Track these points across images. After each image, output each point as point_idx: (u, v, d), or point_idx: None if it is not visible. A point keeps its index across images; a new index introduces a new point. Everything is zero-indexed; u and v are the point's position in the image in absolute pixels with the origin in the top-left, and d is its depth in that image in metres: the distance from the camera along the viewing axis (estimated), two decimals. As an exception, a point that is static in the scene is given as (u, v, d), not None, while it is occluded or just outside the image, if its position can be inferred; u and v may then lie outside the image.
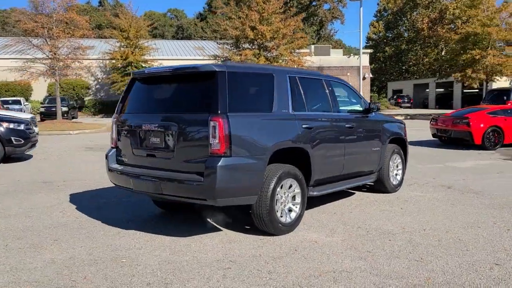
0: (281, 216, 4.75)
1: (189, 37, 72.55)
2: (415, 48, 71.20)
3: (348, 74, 51.09)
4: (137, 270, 3.88)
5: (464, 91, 50.16)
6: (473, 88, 50.45)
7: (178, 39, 68.13)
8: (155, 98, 5.00)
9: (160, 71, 5.00)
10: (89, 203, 6.47)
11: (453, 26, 62.61)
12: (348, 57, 49.73)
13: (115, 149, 5.22)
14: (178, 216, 5.71)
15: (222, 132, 4.14)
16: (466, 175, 8.54)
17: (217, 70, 4.34)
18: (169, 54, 43.09)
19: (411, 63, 72.27)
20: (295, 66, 27.67)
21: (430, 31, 64.07)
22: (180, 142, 4.42)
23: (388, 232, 4.85)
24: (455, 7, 61.43)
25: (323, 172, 5.36)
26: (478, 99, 46.22)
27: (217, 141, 4.15)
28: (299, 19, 28.16)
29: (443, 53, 68.01)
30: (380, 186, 6.72)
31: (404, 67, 75.52)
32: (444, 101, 52.70)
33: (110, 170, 5.13)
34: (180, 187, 4.33)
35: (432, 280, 3.54)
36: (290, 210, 4.89)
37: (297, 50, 27.79)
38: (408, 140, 7.59)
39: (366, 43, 77.46)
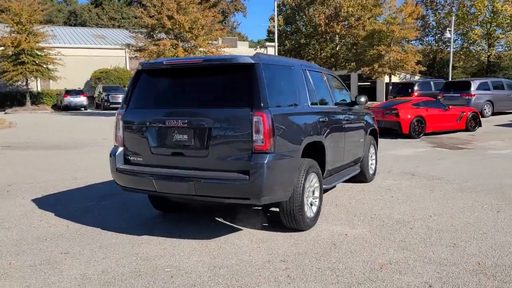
0: (307, 211, 4.72)
1: (83, 24, 67.82)
2: (312, 42, 74.59)
3: (255, 66, 52.07)
4: (194, 278, 3.60)
5: (359, 83, 53.93)
6: (366, 81, 54.63)
7: (70, 25, 63.27)
8: (177, 92, 4.59)
9: (186, 63, 4.61)
10: (66, 208, 5.82)
11: (346, 24, 66.97)
12: (255, 50, 50.53)
13: (122, 148, 4.73)
14: (182, 217, 5.39)
15: (266, 128, 3.98)
16: (415, 162, 9.20)
17: (254, 62, 4.15)
18: (66, 42, 40.01)
19: (309, 57, 75.76)
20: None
21: (327, 27, 67.78)
22: (216, 139, 4.14)
23: (401, 221, 5.06)
24: (349, 5, 65.73)
25: (332, 164, 5.43)
26: (371, 91, 50.24)
27: (261, 137, 3.98)
28: (217, 10, 27.84)
29: (337, 48, 72.48)
30: (361, 176, 6.98)
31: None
32: (343, 93, 55.95)
33: (119, 171, 4.64)
34: (220, 187, 4.07)
35: (483, 264, 3.79)
36: (311, 204, 4.88)
37: (214, 42, 27.53)
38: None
39: (267, 36, 79.41)
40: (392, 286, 3.38)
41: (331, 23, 66.96)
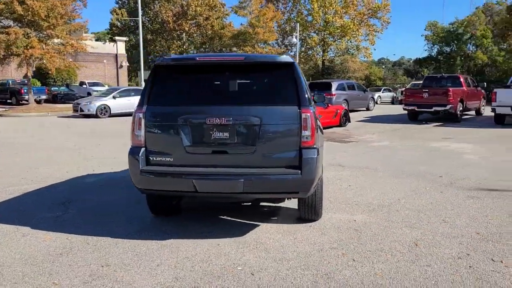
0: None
1: None
2: (159, 39, 73.37)
3: (105, 61, 49.22)
4: (274, 272, 3.68)
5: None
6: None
7: None
8: (215, 89, 4.46)
9: (226, 60, 4.50)
10: (35, 219, 5.11)
11: (193, 22, 67.82)
12: (104, 43, 47.73)
13: (143, 148, 4.41)
14: (187, 218, 5.23)
15: (312, 124, 4.23)
16: (332, 155, 10.23)
17: (293, 61, 4.35)
18: None
19: (157, 54, 74.37)
20: (76, 51, 25.22)
21: (175, 25, 67.61)
22: (264, 136, 4.21)
23: (383, 205, 5.76)
24: (197, 4, 66.63)
25: None
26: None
27: (308, 133, 4.22)
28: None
29: (185, 47, 72.82)
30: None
31: (150, 57, 77.00)
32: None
33: (144, 173, 4.32)
34: (272, 183, 4.17)
35: (480, 232, 4.68)
36: (317, 195, 5.24)
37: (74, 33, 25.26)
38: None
39: (110, 29, 75.45)
40: (438, 257, 3.99)
41: (180, 21, 67.16)
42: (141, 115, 4.37)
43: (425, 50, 55.83)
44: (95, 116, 20.90)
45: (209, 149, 4.30)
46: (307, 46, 50.89)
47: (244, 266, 3.82)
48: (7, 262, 3.89)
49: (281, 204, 5.71)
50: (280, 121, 4.24)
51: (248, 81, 4.49)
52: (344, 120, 16.92)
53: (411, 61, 72.47)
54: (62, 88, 37.91)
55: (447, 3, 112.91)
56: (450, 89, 17.43)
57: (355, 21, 47.51)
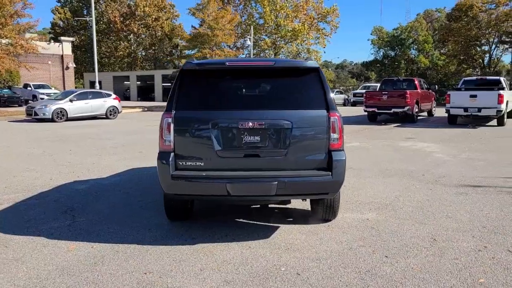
0: (339, 202, 5.23)
1: None
2: (105, 40, 71.21)
3: (50, 62, 47.09)
4: (319, 272, 3.80)
5: (163, 84, 54.50)
6: (169, 82, 55.60)
7: None
8: (245, 93, 4.51)
9: (257, 65, 4.56)
10: (54, 225, 4.93)
11: (142, 23, 66.49)
12: (49, 44, 45.70)
13: (173, 153, 4.38)
14: (205, 222, 5.23)
15: (340, 127, 4.40)
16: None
17: (318, 66, 4.50)
18: None
19: (104, 55, 72.08)
20: (26, 52, 24.00)
21: (123, 25, 65.95)
22: (296, 139, 4.32)
23: (384, 204, 6.05)
24: (145, 5, 65.37)
25: None
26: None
27: (337, 136, 4.38)
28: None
29: (133, 48, 71.22)
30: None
31: (96, 58, 74.38)
32: (145, 93, 55.72)
33: (175, 177, 4.29)
34: (304, 185, 4.29)
35: (487, 224, 5.05)
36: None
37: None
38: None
39: (51, 29, 72.42)
40: (460, 251, 4.28)
41: (128, 21, 65.60)
42: (170, 120, 4.35)
43: (371, 53, 57.94)
44: (51, 120, 20.03)
45: (240, 153, 4.35)
46: (258, 49, 51.38)
47: (286, 267, 3.91)
48: (43, 275, 3.74)
49: (289, 206, 5.84)
50: (310, 125, 4.37)
51: (278, 85, 4.58)
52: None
53: (353, 64, 75.39)
54: (4, 90, 35.94)
55: (387, 9, 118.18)
56: (408, 91, 18.34)
57: (305, 25, 48.56)
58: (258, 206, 5.84)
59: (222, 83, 4.57)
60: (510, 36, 39.43)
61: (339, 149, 4.41)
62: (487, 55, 41.25)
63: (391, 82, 21.09)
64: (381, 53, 55.42)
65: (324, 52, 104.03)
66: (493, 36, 40.33)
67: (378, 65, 56.39)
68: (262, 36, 51.44)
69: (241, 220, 5.32)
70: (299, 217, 5.41)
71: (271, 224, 5.11)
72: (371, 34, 55.56)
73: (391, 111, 18.48)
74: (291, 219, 5.35)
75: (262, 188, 4.24)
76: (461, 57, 41.86)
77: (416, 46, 51.08)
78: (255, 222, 5.22)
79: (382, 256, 4.15)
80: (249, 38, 40.27)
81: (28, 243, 4.51)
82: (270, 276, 3.73)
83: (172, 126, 4.35)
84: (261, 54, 52.65)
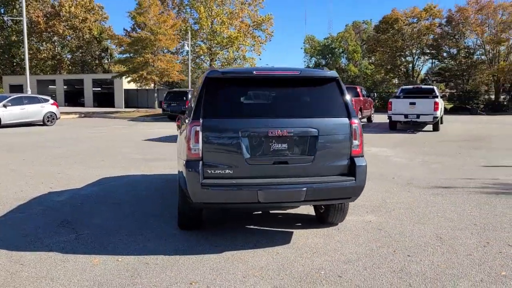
0: (346, 206, 5.46)
1: None
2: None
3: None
4: (357, 274, 3.98)
5: (93, 89, 52.28)
6: (99, 87, 53.57)
7: None
8: (272, 102, 4.57)
9: (283, 74, 4.64)
10: (59, 239, 4.67)
11: (66, 25, 63.33)
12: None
13: (201, 162, 4.34)
14: (212, 231, 5.21)
15: (360, 134, 4.63)
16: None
17: (338, 76, 4.71)
18: None
19: (24, 56, 67.62)
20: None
21: (47, 26, 62.40)
22: (322, 146, 4.46)
23: (379, 206, 6.38)
24: (71, 5, 62.37)
25: None
26: (108, 97, 49.68)
27: (358, 142, 4.60)
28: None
29: (57, 50, 67.61)
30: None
31: (15, 60, 69.65)
32: (73, 98, 53.18)
33: (205, 186, 4.26)
34: (331, 190, 4.45)
35: (478, 222, 5.53)
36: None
37: None
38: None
39: (-39, 30, 67.00)
40: (469, 247, 4.66)
41: (52, 22, 62.14)
42: (198, 128, 4.32)
43: (304, 61, 59.74)
44: (-17, 127, 18.53)
45: (269, 160, 4.43)
46: (194, 55, 51.09)
47: (324, 270, 4.04)
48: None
49: (290, 211, 5.99)
50: (335, 132, 4.55)
51: (303, 94, 4.71)
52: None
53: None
54: None
55: (319, 18, 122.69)
56: (353, 98, 19.24)
57: (241, 32, 49.07)
58: (260, 212, 5.93)
59: (249, 92, 4.63)
60: (430, 48, 42.74)
61: (360, 155, 4.63)
62: (411, 65, 44.35)
63: (350, 89, 22.01)
64: (313, 62, 57.44)
65: (260, 59, 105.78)
66: (416, 48, 43.45)
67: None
68: (198, 42, 51.25)
69: (251, 226, 5.37)
70: (305, 222, 5.57)
71: (285, 230, 5.23)
72: (303, 43, 57.49)
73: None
74: (299, 224, 5.49)
75: (292, 194, 4.35)
76: (388, 67, 44.61)
77: (346, 55, 53.59)
78: (266, 228, 5.29)
79: (404, 255, 4.42)
80: (186, 44, 39.91)
81: (45, 259, 4.25)
82: (315, 279, 3.84)
83: (200, 134, 4.32)
84: (197, 60, 52.44)
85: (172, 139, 15.42)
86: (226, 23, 48.30)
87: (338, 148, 4.57)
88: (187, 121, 4.74)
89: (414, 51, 43.84)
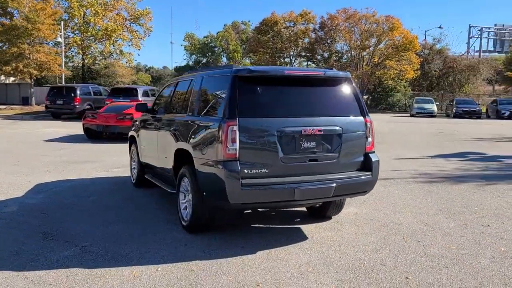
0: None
1: None
2: None
3: None
4: (401, 263, 4.31)
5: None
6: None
7: None
8: (300, 101, 4.58)
9: (309, 74, 4.74)
10: (64, 253, 4.17)
11: None
12: None
13: (238, 162, 4.22)
14: (220, 232, 5.11)
15: (373, 132, 4.96)
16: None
17: (350, 76, 4.99)
18: None
19: None
20: None
21: None
22: (345, 144, 4.66)
23: (366, 198, 6.85)
24: None
25: None
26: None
27: (371, 139, 4.93)
28: None
29: None
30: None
31: None
32: None
33: (245, 186, 4.17)
34: (354, 185, 4.69)
35: (471, 221, 6.30)
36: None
37: None
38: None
39: None
40: (453, 230, 5.32)
41: None
42: (235, 127, 4.20)
43: (184, 59, 59.29)
44: None
45: (301, 158, 4.50)
46: (65, 47, 47.08)
47: (366, 260, 4.25)
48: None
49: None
50: (354, 130, 4.80)
51: (326, 94, 4.86)
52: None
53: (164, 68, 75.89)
54: None
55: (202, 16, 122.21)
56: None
57: (116, 25, 46.70)
58: (250, 211, 5.94)
59: (280, 91, 4.61)
60: (306, 51, 45.81)
61: (373, 151, 4.96)
62: (289, 66, 46.96)
63: None
64: (193, 59, 57.30)
65: (139, 55, 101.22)
66: (293, 50, 46.17)
67: (189, 70, 58.17)
68: (68, 33, 47.28)
69: (255, 225, 5.39)
70: (301, 217, 5.74)
71: (288, 226, 5.36)
72: (183, 40, 56.97)
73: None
74: (298, 219, 5.66)
75: (325, 191, 4.50)
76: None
77: (226, 55, 54.53)
78: (271, 226, 5.38)
79: (415, 241, 4.88)
80: (59, 35, 36.62)
81: (74, 276, 3.75)
82: (368, 270, 4.03)
83: (237, 134, 4.22)
84: (68, 53, 48.35)
85: (77, 139, 14.26)
86: (101, 14, 45.53)
87: (356, 145, 4.83)
88: (197, 120, 4.81)
89: (291, 53, 46.51)
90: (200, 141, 4.63)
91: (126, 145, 13.24)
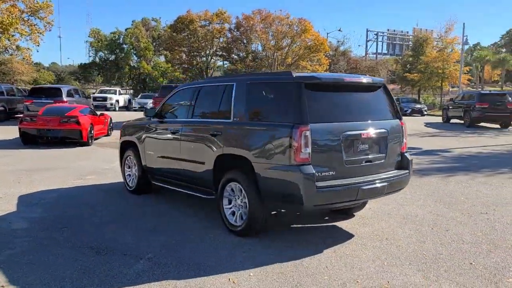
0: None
1: None
2: None
3: None
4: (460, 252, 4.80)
5: None
6: None
7: None
8: (355, 106, 4.87)
9: (362, 81, 5.03)
10: (137, 267, 4.02)
11: None
12: None
13: (311, 165, 4.37)
14: (275, 234, 5.22)
15: (406, 133, 5.41)
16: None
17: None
18: None
19: None
20: None
21: None
22: (390, 145, 5.04)
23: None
24: None
25: None
26: None
27: (405, 140, 5.38)
28: None
29: None
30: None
31: None
32: None
33: (321, 189, 4.34)
34: (399, 183, 5.10)
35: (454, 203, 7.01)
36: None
37: None
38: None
39: None
40: (461, 218, 6.00)
41: None
42: (307, 132, 4.35)
43: (90, 56, 55.86)
44: None
45: (359, 160, 4.78)
46: None
47: (422, 252, 4.66)
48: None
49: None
50: (396, 132, 5.20)
51: (373, 99, 5.17)
52: (110, 127, 16.29)
53: (68, 66, 71.21)
54: None
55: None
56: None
57: (12, 18, 42.79)
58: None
59: (339, 97, 4.84)
60: (223, 50, 45.99)
61: (406, 151, 5.41)
62: (206, 65, 46.78)
63: (169, 87, 21.99)
64: (100, 56, 54.40)
65: (37, 51, 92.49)
66: (209, 49, 46.08)
67: (96, 68, 55.22)
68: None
69: (294, 226, 5.57)
70: (325, 216, 6.03)
71: (323, 225, 5.64)
72: (89, 36, 53.74)
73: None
74: (327, 218, 5.93)
75: (380, 190, 4.84)
76: (186, 65, 46.05)
77: (137, 52, 52.50)
78: (307, 226, 5.59)
79: (443, 230, 5.41)
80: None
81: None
82: (431, 259, 4.44)
83: (310, 138, 4.37)
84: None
85: (12, 145, 13.02)
86: (-8, 5, 41.37)
87: (396, 146, 5.24)
88: (250, 126, 4.94)
89: (208, 52, 46.38)
90: (263, 146, 4.67)
91: (75, 150, 12.62)
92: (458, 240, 5.06)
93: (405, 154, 5.36)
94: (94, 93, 37.42)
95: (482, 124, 22.74)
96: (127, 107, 36.28)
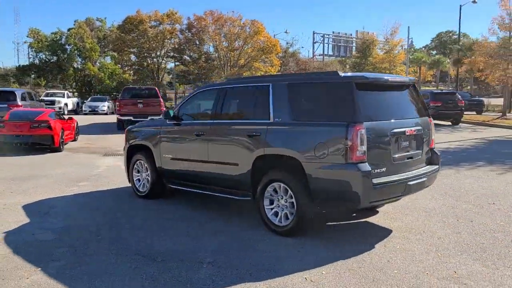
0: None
1: None
2: None
3: None
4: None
5: None
6: None
7: None
8: (397, 104, 5.04)
9: (402, 80, 5.25)
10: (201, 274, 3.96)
11: None
12: None
13: (366, 163, 4.46)
14: (316, 233, 5.27)
15: (433, 130, 5.66)
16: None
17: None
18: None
19: None
20: None
21: None
22: (423, 141, 5.26)
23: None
24: None
25: None
26: None
27: (433, 137, 5.62)
28: None
29: None
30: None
31: None
32: None
33: (377, 186, 4.45)
34: (433, 177, 5.36)
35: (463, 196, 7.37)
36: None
37: None
38: None
39: None
40: (478, 209, 6.36)
41: None
42: (363, 131, 4.44)
43: (30, 57, 52.78)
44: None
45: (403, 156, 4.94)
46: None
47: (466, 242, 4.87)
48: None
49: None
50: (427, 129, 5.41)
51: (409, 97, 5.34)
52: (76, 132, 15.57)
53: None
54: None
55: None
56: (161, 100, 19.27)
57: None
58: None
59: (384, 96, 4.97)
60: (175, 51, 45.22)
61: (434, 147, 5.66)
62: (157, 66, 45.77)
63: (132, 90, 21.40)
64: (40, 58, 51.56)
65: None
66: (160, 50, 45.16)
67: (35, 70, 52.31)
68: None
69: (329, 223, 5.65)
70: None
71: (355, 221, 5.76)
72: (27, 36, 50.81)
73: (148, 118, 18.88)
74: (354, 215, 6.05)
75: (422, 184, 5.06)
76: (136, 67, 44.84)
77: (81, 54, 50.27)
78: (342, 223, 5.70)
79: (468, 221, 5.70)
80: None
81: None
82: (478, 249, 4.66)
83: (365, 137, 4.47)
84: None
85: None
86: None
87: (427, 142, 5.47)
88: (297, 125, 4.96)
89: (159, 53, 45.45)
90: (314, 146, 4.68)
91: (47, 156, 11.90)
92: (487, 229, 5.36)
93: (433, 150, 5.61)
94: (40, 97, 35.40)
95: (436, 121, 24.05)
96: (75, 111, 34.48)
